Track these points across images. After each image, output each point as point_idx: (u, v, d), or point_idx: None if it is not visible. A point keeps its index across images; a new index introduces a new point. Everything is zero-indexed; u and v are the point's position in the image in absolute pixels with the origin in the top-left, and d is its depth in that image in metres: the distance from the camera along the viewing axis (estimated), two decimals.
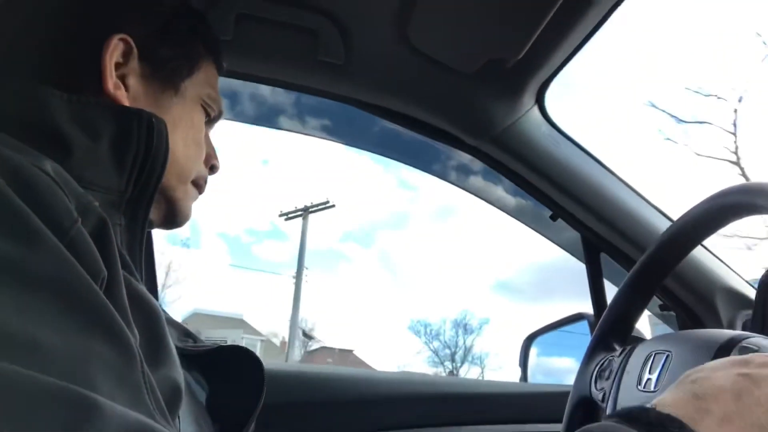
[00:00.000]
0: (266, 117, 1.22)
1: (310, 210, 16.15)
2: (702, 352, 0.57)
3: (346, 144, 1.31)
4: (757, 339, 0.54)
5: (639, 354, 0.68)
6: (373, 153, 1.26)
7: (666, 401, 0.41)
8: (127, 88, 0.55)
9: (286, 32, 0.88)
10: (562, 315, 1.31)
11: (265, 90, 1.13)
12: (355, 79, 0.95)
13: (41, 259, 0.33)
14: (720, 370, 0.43)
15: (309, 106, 1.19)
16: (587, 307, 1.19)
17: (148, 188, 0.53)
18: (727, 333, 0.58)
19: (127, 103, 0.55)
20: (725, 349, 0.55)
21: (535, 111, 0.99)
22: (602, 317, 0.81)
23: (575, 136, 1.02)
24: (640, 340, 0.75)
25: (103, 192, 0.49)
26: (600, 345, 0.79)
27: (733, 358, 0.44)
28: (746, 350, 0.53)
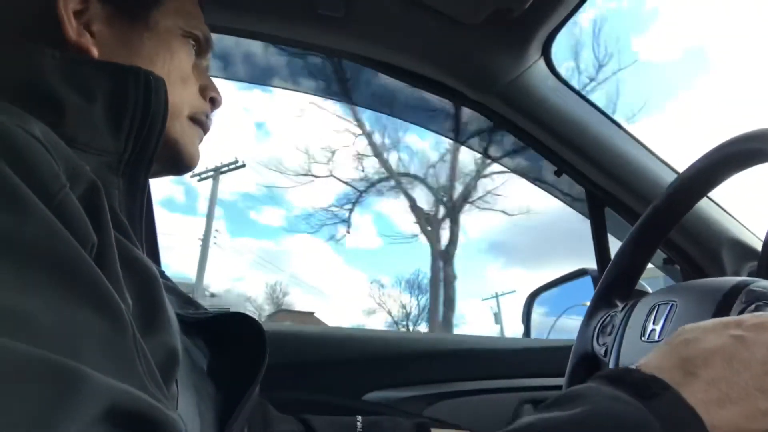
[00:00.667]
0: (258, 76, 1.20)
1: (221, 170, 15.86)
2: (707, 299, 0.57)
3: (338, 101, 1.30)
4: (763, 282, 0.54)
5: (642, 307, 0.68)
6: (367, 109, 1.25)
7: (652, 363, 0.41)
8: (92, 35, 0.53)
9: None
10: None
11: (255, 47, 1.10)
12: (356, 33, 0.93)
13: (28, 227, 0.32)
14: (712, 332, 0.42)
15: (300, 63, 1.17)
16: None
17: (147, 150, 0.51)
18: (732, 279, 0.58)
19: (94, 49, 0.52)
20: (731, 295, 0.55)
21: (541, 63, 0.97)
22: (604, 273, 0.80)
23: (581, 88, 1.00)
24: (643, 294, 0.75)
25: (99, 154, 0.48)
26: (602, 301, 0.79)
27: (727, 319, 0.43)
28: (752, 293, 0.53)
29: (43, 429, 0.26)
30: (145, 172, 0.52)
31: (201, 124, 0.62)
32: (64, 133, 0.42)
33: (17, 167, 0.33)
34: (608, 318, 0.75)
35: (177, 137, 0.59)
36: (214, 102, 0.64)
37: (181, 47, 0.60)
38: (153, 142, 0.51)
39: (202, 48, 0.63)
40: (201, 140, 0.63)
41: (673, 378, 0.39)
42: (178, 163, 0.60)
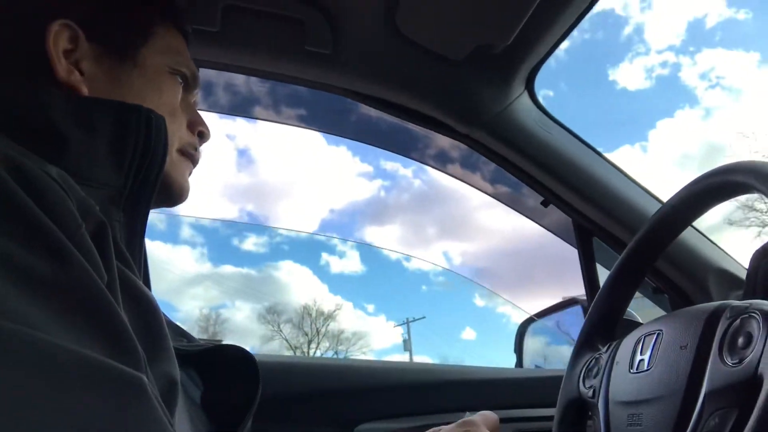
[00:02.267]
0: (242, 107, 1.21)
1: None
2: (692, 323, 0.58)
3: (325, 132, 1.31)
4: (744, 302, 0.55)
5: (628, 342, 0.69)
6: (354, 140, 1.26)
7: None
8: (82, 73, 0.54)
9: (274, 22, 0.87)
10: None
11: (239, 79, 1.12)
12: (344, 69, 0.95)
13: (63, 272, 0.33)
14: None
15: (285, 95, 1.18)
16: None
17: (147, 184, 0.52)
18: (715, 303, 0.58)
19: (83, 87, 0.54)
20: (716, 313, 0.56)
21: (525, 97, 0.99)
22: (586, 318, 0.80)
23: (566, 121, 1.02)
24: (631, 326, 0.75)
25: (101, 188, 0.49)
26: (585, 347, 0.79)
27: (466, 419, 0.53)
28: (735, 309, 0.54)
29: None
30: (145, 206, 0.53)
31: (190, 156, 0.64)
32: (68, 168, 0.44)
33: (40, 207, 0.35)
34: (593, 361, 0.75)
35: (167, 169, 0.59)
36: (202, 136, 0.66)
37: (169, 83, 0.62)
38: (153, 177, 0.53)
39: (189, 84, 0.65)
40: (190, 173, 0.65)
41: None
42: (169, 194, 0.62)
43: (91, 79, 0.55)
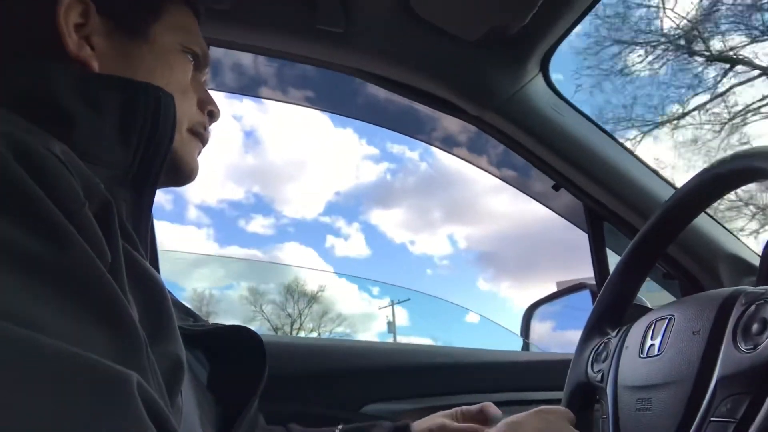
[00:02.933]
0: (249, 86, 1.20)
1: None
2: (705, 309, 0.57)
3: (333, 112, 1.31)
4: (760, 288, 0.54)
5: (638, 327, 0.68)
6: (361, 121, 1.25)
7: None
8: (92, 48, 0.54)
9: (285, 0, 0.86)
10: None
11: (247, 58, 1.11)
12: (356, 48, 0.94)
13: (61, 255, 0.33)
14: (530, 417, 0.55)
15: (293, 74, 1.18)
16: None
17: (154, 164, 0.52)
18: (729, 288, 0.58)
19: (94, 62, 0.53)
20: (730, 299, 0.55)
21: (539, 79, 0.98)
22: (595, 303, 0.80)
23: (579, 104, 1.00)
24: (641, 312, 0.75)
25: (108, 167, 0.49)
26: (594, 331, 0.78)
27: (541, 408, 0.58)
28: (751, 294, 0.54)
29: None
30: (152, 185, 0.53)
31: (200, 136, 0.63)
32: (74, 146, 0.44)
33: (41, 185, 0.35)
34: (602, 345, 0.75)
35: (176, 148, 0.59)
36: (212, 115, 0.66)
37: (179, 61, 0.61)
38: (161, 156, 0.52)
39: (200, 63, 0.64)
40: (200, 152, 0.64)
41: None
42: (178, 174, 0.61)
43: (102, 55, 0.54)
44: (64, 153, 0.40)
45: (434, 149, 1.34)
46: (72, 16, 0.52)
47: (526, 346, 1.42)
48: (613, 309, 0.78)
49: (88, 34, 0.54)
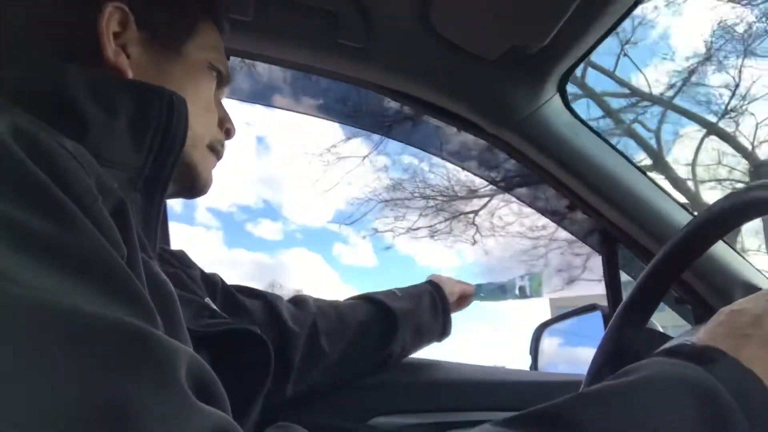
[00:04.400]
0: (261, 95, 1.22)
1: None
2: None
3: (341, 123, 1.32)
4: None
5: None
6: (373, 132, 1.26)
7: (705, 337, 0.43)
8: (128, 56, 0.55)
9: (307, 14, 0.87)
10: None
11: (261, 66, 1.12)
12: (375, 63, 0.94)
13: (69, 233, 0.33)
14: (752, 302, 0.45)
15: (305, 85, 1.19)
16: None
17: (165, 167, 0.52)
18: None
19: (129, 70, 0.54)
20: None
21: (557, 99, 0.98)
22: (595, 352, 0.79)
23: (596, 125, 1.00)
24: (652, 340, 0.73)
25: (119, 169, 0.49)
26: (595, 383, 0.77)
27: (764, 290, 0.46)
28: None
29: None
30: (162, 189, 0.53)
31: (216, 152, 0.65)
32: (87, 148, 0.44)
33: (53, 179, 0.35)
34: None
35: (197, 163, 0.61)
36: (228, 133, 0.68)
37: (206, 79, 0.63)
38: (172, 160, 0.53)
39: (221, 81, 0.66)
40: (214, 167, 0.66)
41: (727, 344, 0.41)
42: (193, 187, 0.63)
43: (136, 65, 0.55)
44: (77, 149, 0.41)
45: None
46: (112, 24, 0.53)
47: (534, 366, 1.40)
48: (613, 356, 0.77)
49: (124, 43, 0.55)
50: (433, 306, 1.05)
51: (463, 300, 1.16)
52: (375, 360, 1.00)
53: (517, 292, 1.40)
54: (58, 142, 0.38)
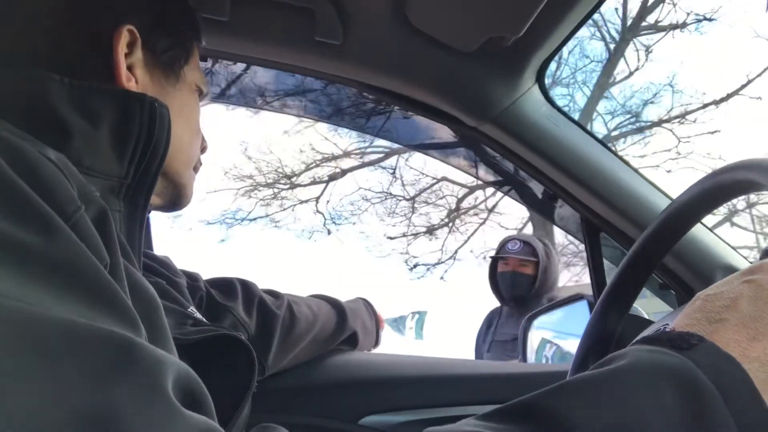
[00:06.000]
0: (243, 96, 1.22)
1: None
2: None
3: (326, 122, 1.33)
4: None
5: None
6: (352, 130, 1.27)
7: (681, 323, 0.43)
8: (135, 80, 0.55)
9: (283, 12, 0.87)
10: None
11: (240, 67, 1.12)
12: (354, 60, 0.94)
13: (51, 243, 0.33)
14: (727, 284, 0.45)
15: (286, 84, 1.19)
16: None
17: (148, 175, 0.52)
18: None
19: None
20: None
21: (535, 90, 0.99)
22: (579, 344, 0.79)
23: (575, 115, 1.01)
24: (638, 325, 0.74)
25: (102, 178, 0.49)
26: (581, 370, 0.78)
27: (736, 272, 0.46)
28: None
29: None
30: (146, 197, 0.53)
31: (196, 170, 0.67)
32: (69, 157, 0.44)
33: (36, 188, 0.35)
34: None
35: (186, 184, 0.63)
36: (203, 150, 0.69)
37: (195, 101, 0.64)
38: (155, 167, 0.52)
39: (201, 100, 0.67)
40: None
41: (704, 329, 0.41)
42: (179, 202, 0.65)
43: (143, 87, 0.56)
44: (59, 159, 0.41)
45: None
46: (121, 46, 0.53)
47: (523, 357, 1.41)
48: (598, 343, 0.78)
49: (131, 65, 0.55)
50: (370, 313, 1.21)
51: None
52: (328, 347, 1.09)
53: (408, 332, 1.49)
54: (42, 152, 0.38)
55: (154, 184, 0.53)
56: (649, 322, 0.74)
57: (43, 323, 0.28)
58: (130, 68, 0.54)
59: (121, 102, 0.50)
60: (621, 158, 1.04)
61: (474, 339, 2.48)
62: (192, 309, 0.72)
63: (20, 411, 0.25)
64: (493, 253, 2.54)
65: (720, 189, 0.66)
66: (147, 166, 0.52)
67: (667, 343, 0.39)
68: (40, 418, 0.26)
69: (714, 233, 1.03)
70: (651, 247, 0.74)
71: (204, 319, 0.69)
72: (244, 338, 0.63)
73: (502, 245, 2.42)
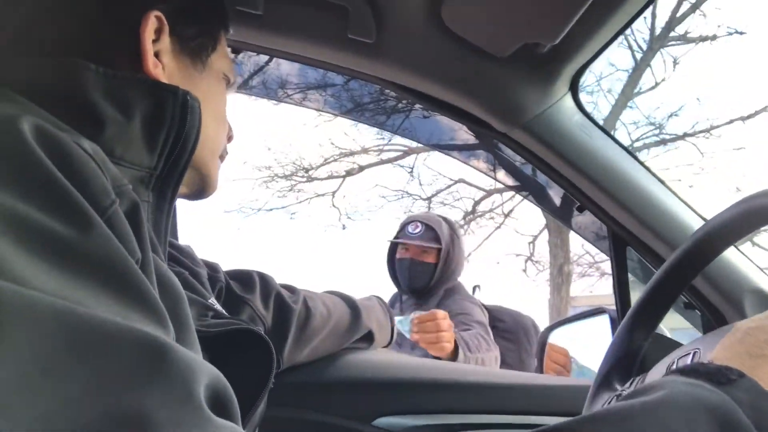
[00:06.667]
0: (261, 87, 1.22)
1: None
2: None
3: (345, 117, 1.33)
4: None
5: (656, 370, 0.66)
6: (371, 126, 1.27)
7: (721, 356, 0.42)
8: (162, 66, 0.55)
9: (317, 8, 0.86)
10: None
11: (262, 59, 1.13)
12: (386, 59, 0.94)
13: (87, 238, 0.33)
14: None
15: (307, 77, 1.19)
16: None
17: (178, 166, 0.52)
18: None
19: (164, 81, 0.54)
20: None
21: (568, 99, 0.97)
22: (602, 360, 0.78)
23: (608, 127, 0.99)
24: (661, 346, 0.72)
25: (132, 168, 0.49)
26: (603, 387, 0.76)
27: None
28: None
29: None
30: (174, 188, 0.53)
31: (222, 158, 0.67)
32: (102, 147, 0.44)
33: (72, 180, 0.35)
34: (612, 400, 0.73)
35: (212, 174, 0.63)
36: (229, 139, 0.69)
37: (222, 90, 0.64)
38: (185, 159, 0.53)
39: (229, 89, 0.67)
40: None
41: (744, 364, 0.40)
42: (204, 193, 0.65)
43: (169, 74, 0.56)
44: (95, 150, 0.41)
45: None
46: (148, 32, 0.53)
47: (540, 369, 1.39)
48: (622, 364, 0.76)
49: (158, 52, 0.55)
50: (384, 310, 1.21)
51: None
52: (343, 344, 1.08)
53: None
54: (77, 142, 0.38)
55: (182, 175, 0.53)
56: (676, 344, 0.72)
57: (79, 321, 0.28)
58: (157, 55, 0.54)
59: (155, 93, 0.50)
60: (653, 174, 1.02)
61: None
62: (212, 300, 0.72)
63: (51, 410, 0.25)
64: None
65: (755, 213, 0.64)
66: (177, 158, 0.52)
67: (705, 377, 0.38)
68: (71, 417, 0.25)
69: (743, 254, 1.01)
70: (683, 267, 0.72)
71: (224, 311, 0.70)
72: (263, 334, 0.63)
73: (402, 227, 2.09)
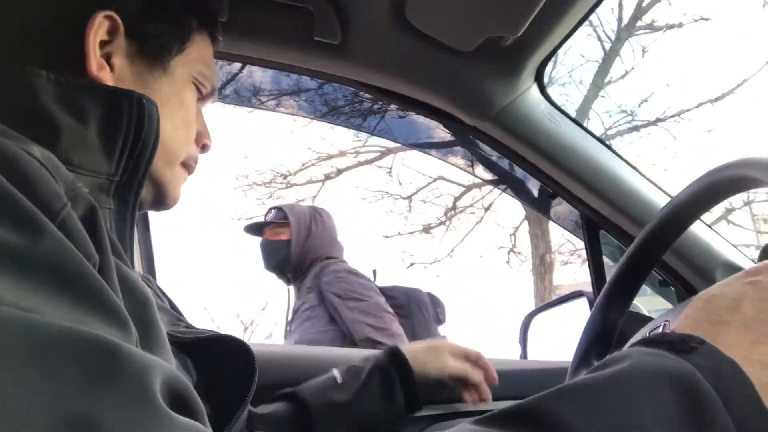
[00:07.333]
0: (234, 95, 1.22)
1: None
2: None
3: (324, 121, 1.33)
4: None
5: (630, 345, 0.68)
6: (348, 128, 1.27)
7: (683, 324, 0.42)
8: (112, 68, 0.54)
9: (282, 12, 0.87)
10: None
11: (236, 67, 1.13)
12: (352, 60, 0.94)
13: (38, 243, 0.32)
14: (730, 285, 0.44)
15: (280, 83, 1.19)
16: None
17: (137, 172, 0.52)
18: None
19: (111, 83, 0.53)
20: None
21: (534, 89, 0.99)
22: (579, 340, 0.80)
23: (574, 113, 1.01)
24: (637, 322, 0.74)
25: (91, 175, 0.48)
26: (581, 365, 0.79)
27: (740, 273, 0.45)
28: None
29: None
30: (136, 194, 0.52)
31: (189, 168, 0.64)
32: (58, 155, 0.43)
33: (20, 186, 0.34)
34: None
35: (167, 181, 0.60)
36: (204, 148, 0.66)
37: (190, 93, 0.61)
38: (144, 164, 0.52)
39: (206, 96, 0.64)
40: (184, 182, 0.64)
41: (706, 332, 0.40)
42: (164, 201, 0.62)
43: (120, 77, 0.54)
44: (45, 157, 0.40)
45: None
46: (100, 34, 0.52)
47: (524, 354, 1.41)
48: (598, 342, 0.78)
49: (110, 53, 0.54)
50: (384, 387, 0.88)
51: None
52: None
53: None
54: (25, 149, 0.38)
55: (143, 181, 0.52)
56: (649, 319, 0.74)
57: (30, 329, 0.28)
58: (108, 57, 0.53)
59: (108, 98, 0.50)
60: (620, 156, 1.04)
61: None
62: (182, 316, 0.71)
63: (3, 422, 0.25)
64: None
65: (718, 186, 0.66)
66: (136, 164, 0.51)
67: (667, 346, 0.38)
68: (24, 425, 0.25)
69: (714, 230, 1.04)
70: (651, 244, 0.75)
71: (193, 325, 0.69)
72: (244, 341, 0.62)
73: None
